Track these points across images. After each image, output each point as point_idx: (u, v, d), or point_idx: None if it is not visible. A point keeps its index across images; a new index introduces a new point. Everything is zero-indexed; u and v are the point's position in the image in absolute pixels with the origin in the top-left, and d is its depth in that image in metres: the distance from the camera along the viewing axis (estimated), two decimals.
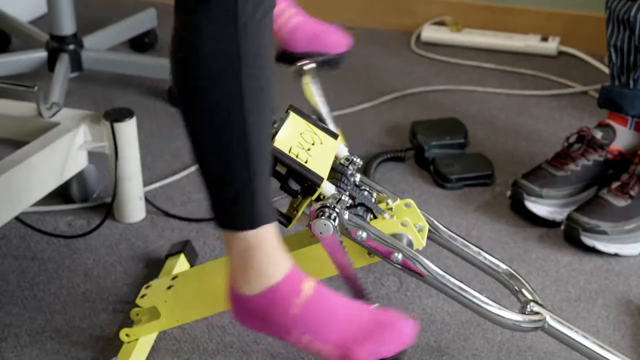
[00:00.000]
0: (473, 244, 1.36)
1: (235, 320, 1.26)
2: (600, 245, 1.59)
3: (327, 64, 1.66)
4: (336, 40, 1.60)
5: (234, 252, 1.20)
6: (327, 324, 1.21)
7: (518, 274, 1.33)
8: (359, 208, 1.28)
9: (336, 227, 1.22)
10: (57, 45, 2.06)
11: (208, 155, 1.16)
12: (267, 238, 1.19)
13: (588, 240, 1.59)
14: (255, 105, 1.12)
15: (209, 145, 1.15)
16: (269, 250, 1.19)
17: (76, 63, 2.07)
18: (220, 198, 1.18)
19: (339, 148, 1.34)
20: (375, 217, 1.29)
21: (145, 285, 1.39)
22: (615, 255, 1.60)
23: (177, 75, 1.15)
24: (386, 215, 1.28)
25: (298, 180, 1.24)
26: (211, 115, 1.13)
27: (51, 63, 2.06)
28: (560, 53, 2.34)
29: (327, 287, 1.24)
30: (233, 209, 1.17)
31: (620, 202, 1.62)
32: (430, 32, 2.40)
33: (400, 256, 1.22)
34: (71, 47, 2.07)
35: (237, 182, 1.15)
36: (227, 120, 1.13)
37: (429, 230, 1.33)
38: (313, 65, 1.40)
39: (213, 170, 1.17)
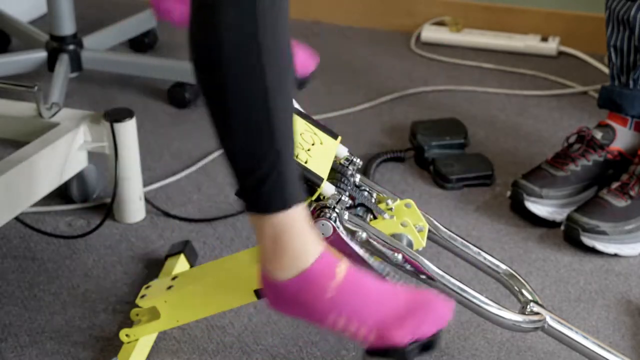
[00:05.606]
0: (473, 244, 1.36)
1: (270, 307, 1.24)
2: (600, 246, 1.59)
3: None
4: (302, 62, 1.54)
5: (265, 237, 1.17)
6: (363, 306, 1.19)
7: (518, 274, 1.33)
8: (358, 208, 1.28)
9: (337, 225, 1.21)
10: (57, 46, 2.06)
11: (232, 134, 1.13)
12: (298, 219, 1.16)
13: (588, 240, 1.59)
14: (277, 79, 1.11)
15: (232, 123, 1.12)
16: (301, 231, 1.17)
17: (76, 63, 2.07)
18: (248, 179, 1.15)
19: (339, 148, 1.34)
20: (375, 218, 1.29)
21: (145, 286, 1.39)
22: (615, 255, 1.60)
23: (197, 51, 1.12)
24: (386, 215, 1.28)
25: None
26: (232, 90, 1.11)
27: (51, 63, 2.06)
28: (560, 53, 2.34)
29: (359, 269, 1.22)
30: (262, 190, 1.14)
31: (620, 203, 1.62)
32: (430, 32, 2.40)
33: (400, 256, 1.22)
34: (71, 47, 2.06)
35: (264, 161, 1.12)
36: (249, 94, 1.11)
37: (429, 231, 1.33)
38: None
39: (238, 150, 1.14)
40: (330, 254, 1.20)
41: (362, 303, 1.19)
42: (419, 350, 1.20)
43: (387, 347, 1.19)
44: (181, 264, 1.52)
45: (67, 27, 2.06)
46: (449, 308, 1.21)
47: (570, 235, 1.62)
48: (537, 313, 1.26)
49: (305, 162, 1.23)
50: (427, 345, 1.20)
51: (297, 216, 1.16)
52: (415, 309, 1.20)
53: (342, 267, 1.20)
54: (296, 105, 1.34)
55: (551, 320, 1.25)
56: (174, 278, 1.37)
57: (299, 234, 1.17)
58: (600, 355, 1.26)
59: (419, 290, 1.23)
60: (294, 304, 1.20)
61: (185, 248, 1.55)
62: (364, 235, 1.22)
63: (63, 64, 2.02)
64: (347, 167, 1.32)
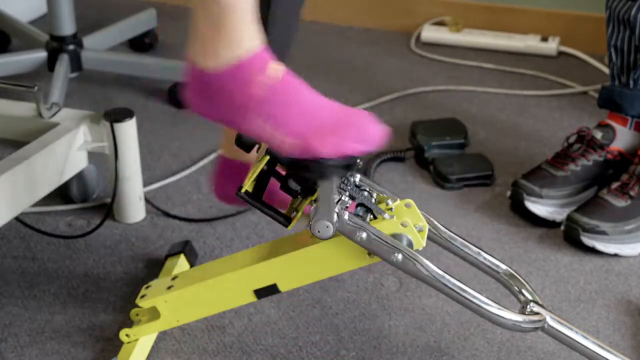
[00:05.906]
0: (473, 244, 1.36)
1: (188, 103, 1.17)
2: (600, 246, 1.59)
3: None
4: None
5: (205, 18, 1.11)
6: (291, 112, 1.13)
7: (518, 274, 1.33)
8: (358, 208, 1.28)
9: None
10: (57, 46, 2.07)
11: None
12: (245, 4, 1.11)
13: (588, 240, 1.59)
14: None
15: None
16: (245, 17, 1.11)
17: (76, 63, 2.07)
18: None
19: None
20: (375, 218, 1.29)
21: (145, 285, 1.39)
22: (615, 255, 1.60)
23: None
24: (386, 215, 1.28)
25: (298, 180, 1.24)
26: None
27: (51, 63, 2.06)
28: (560, 53, 2.34)
29: (297, 76, 1.17)
30: None
31: (620, 203, 1.62)
32: (430, 32, 2.40)
33: (400, 256, 1.22)
34: (71, 47, 2.07)
35: None
36: None
37: (429, 231, 1.33)
38: None
39: None
40: (269, 53, 1.14)
41: (293, 110, 1.13)
42: (337, 166, 1.16)
43: (307, 159, 1.15)
44: (181, 264, 1.52)
45: (67, 27, 2.06)
46: (379, 131, 1.16)
47: (570, 235, 1.62)
48: (537, 313, 1.26)
49: None
50: (347, 164, 1.16)
51: (244, 1, 1.10)
52: (343, 126, 1.15)
53: (280, 68, 1.14)
54: None
55: (551, 320, 1.25)
56: (174, 278, 1.37)
57: (242, 20, 1.11)
58: (600, 355, 1.25)
59: (355, 109, 1.18)
60: (216, 98, 1.13)
61: (185, 248, 1.55)
62: (364, 235, 1.22)
63: (63, 64, 2.02)
64: None
